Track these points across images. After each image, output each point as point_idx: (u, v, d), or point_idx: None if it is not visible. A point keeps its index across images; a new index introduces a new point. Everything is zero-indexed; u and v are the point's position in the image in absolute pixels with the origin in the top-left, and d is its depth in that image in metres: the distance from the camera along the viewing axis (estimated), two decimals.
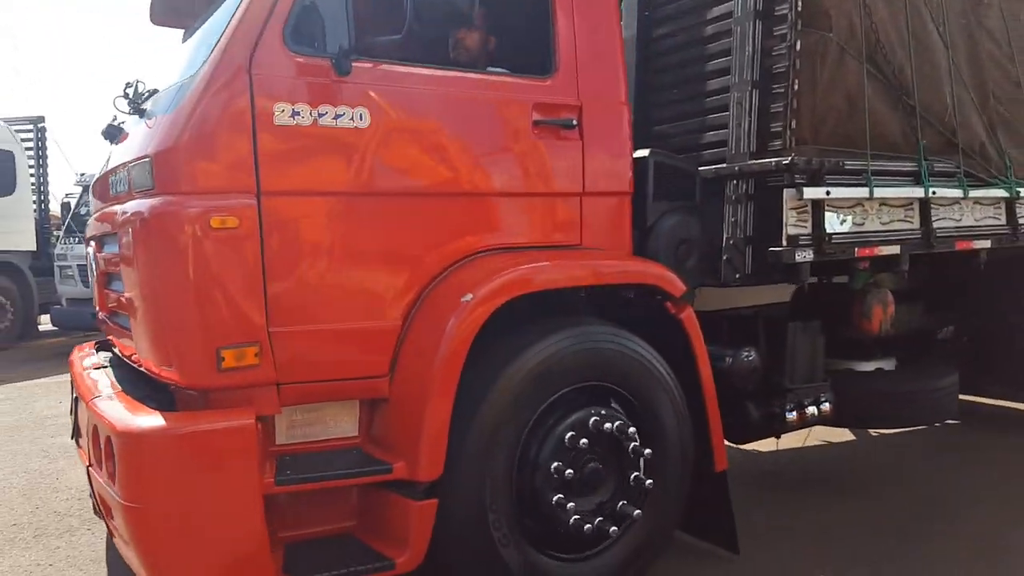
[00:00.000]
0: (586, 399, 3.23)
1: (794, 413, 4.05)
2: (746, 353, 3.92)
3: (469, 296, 2.96)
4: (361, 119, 2.93)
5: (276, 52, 2.82)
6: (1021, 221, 4.71)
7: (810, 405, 4.12)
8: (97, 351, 4.03)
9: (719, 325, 4.23)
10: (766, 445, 4.74)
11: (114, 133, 3.43)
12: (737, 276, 3.79)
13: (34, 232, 12.21)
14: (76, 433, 3.55)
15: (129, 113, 3.14)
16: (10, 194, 10.69)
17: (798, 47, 3.62)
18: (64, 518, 4.49)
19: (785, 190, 3.63)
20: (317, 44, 2.89)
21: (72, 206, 12.43)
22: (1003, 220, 4.64)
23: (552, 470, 3.09)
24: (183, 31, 3.87)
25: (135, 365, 3.19)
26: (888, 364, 4.75)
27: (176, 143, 2.70)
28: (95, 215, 3.59)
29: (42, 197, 13.23)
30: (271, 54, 2.81)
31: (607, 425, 3.18)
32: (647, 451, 3.27)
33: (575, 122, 3.38)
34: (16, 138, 11.98)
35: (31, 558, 3.96)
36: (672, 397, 3.40)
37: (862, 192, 3.85)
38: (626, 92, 3.60)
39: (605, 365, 3.25)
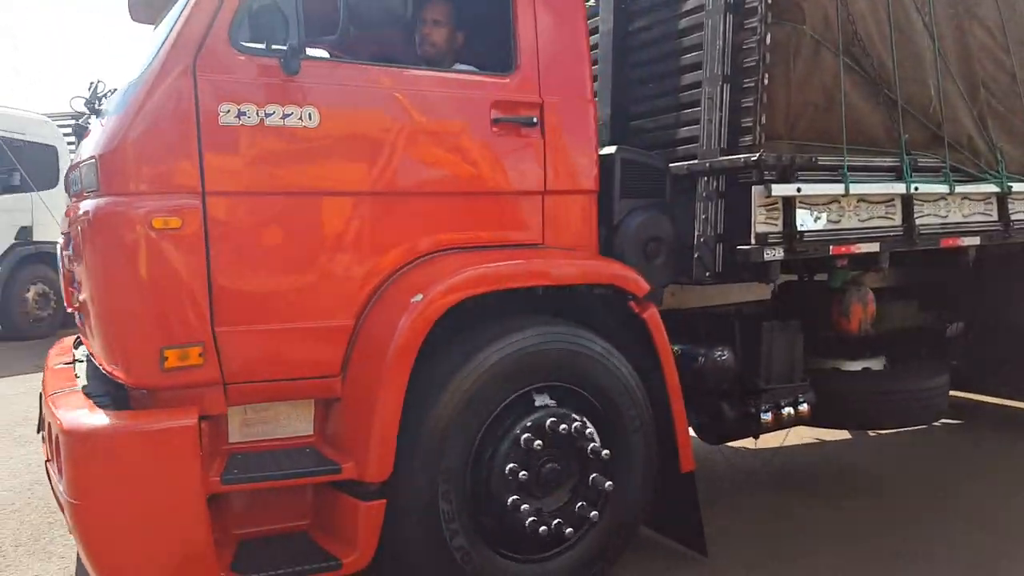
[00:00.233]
0: (547, 400, 3.19)
1: (769, 414, 3.98)
2: (719, 352, 3.86)
3: (419, 296, 2.95)
4: (310, 119, 2.92)
5: (222, 52, 2.82)
6: (1014, 217, 4.58)
7: (787, 406, 4.04)
8: (76, 347, 4.09)
9: (697, 324, 4.20)
10: (754, 443, 4.67)
11: (80, 132, 3.47)
12: (708, 275, 3.72)
13: None
14: (41, 427, 3.60)
15: (88, 113, 3.17)
16: (53, 188, 10.91)
17: (768, 40, 3.54)
18: None
19: (754, 187, 3.56)
20: (265, 43, 2.88)
21: None
22: (994, 216, 4.51)
23: (507, 472, 3.07)
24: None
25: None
26: (876, 363, 4.66)
27: (119, 144, 2.71)
28: (64, 213, 3.63)
29: None
30: (217, 54, 2.81)
31: (563, 427, 3.14)
32: (605, 452, 3.23)
33: (535, 120, 3.34)
34: (58, 133, 12.15)
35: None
36: (634, 398, 3.36)
37: (837, 188, 3.76)
38: (592, 89, 3.56)
39: (562, 366, 3.21)
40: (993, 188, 4.41)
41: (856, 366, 4.60)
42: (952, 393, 4.88)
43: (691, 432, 4.16)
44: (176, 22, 2.83)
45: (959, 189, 4.25)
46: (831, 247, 3.81)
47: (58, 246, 3.76)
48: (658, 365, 3.44)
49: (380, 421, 2.88)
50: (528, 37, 3.35)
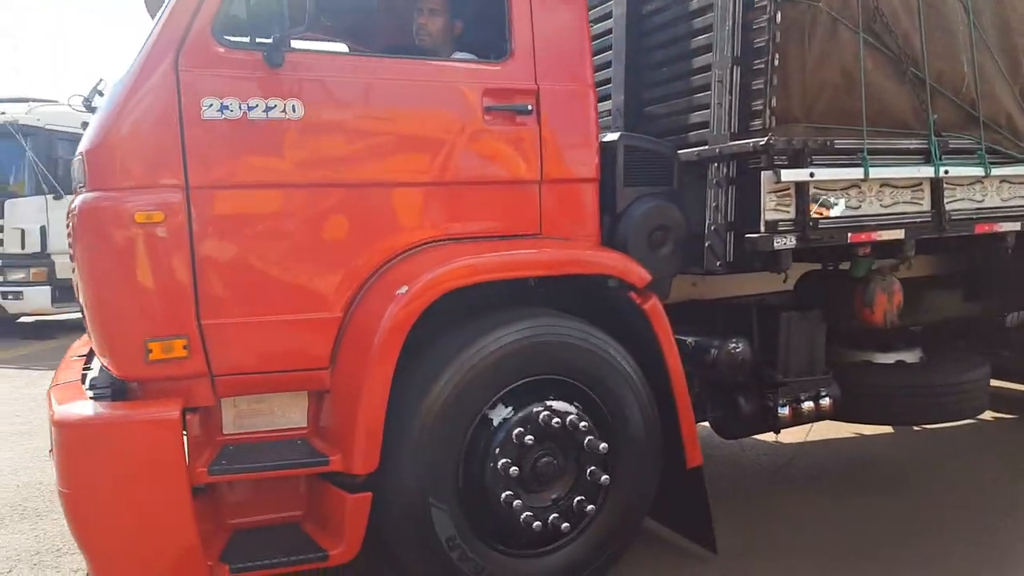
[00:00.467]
0: (542, 393, 3.14)
1: (787, 408, 3.83)
2: (733, 344, 3.73)
3: (404, 288, 2.92)
4: (294, 111, 2.91)
5: (205, 46, 2.83)
6: None
7: (807, 400, 3.88)
8: None
9: (713, 315, 4.07)
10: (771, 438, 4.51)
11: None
12: (719, 264, 3.60)
13: None
14: None
15: (86, 111, 3.24)
16: None
17: (779, 19, 3.38)
18: None
19: (763, 173, 3.41)
20: (248, 37, 2.89)
21: None
22: None
23: (500, 466, 3.02)
24: None
25: None
26: (911, 356, 4.43)
27: (103, 140, 2.76)
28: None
29: None
30: (200, 48, 2.82)
31: (556, 420, 3.08)
32: (603, 446, 3.15)
33: (530, 108, 3.27)
34: None
35: None
36: (636, 391, 3.26)
37: (856, 173, 3.58)
38: (592, 74, 3.45)
39: (559, 358, 3.14)
40: None
41: (889, 358, 4.38)
42: (1008, 386, 4.61)
43: (708, 426, 4.07)
44: (160, 18, 2.85)
45: (996, 172, 4.00)
46: (849, 234, 3.63)
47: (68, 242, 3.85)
48: (661, 357, 3.34)
49: (366, 413, 2.86)
50: (523, 22, 3.27)
